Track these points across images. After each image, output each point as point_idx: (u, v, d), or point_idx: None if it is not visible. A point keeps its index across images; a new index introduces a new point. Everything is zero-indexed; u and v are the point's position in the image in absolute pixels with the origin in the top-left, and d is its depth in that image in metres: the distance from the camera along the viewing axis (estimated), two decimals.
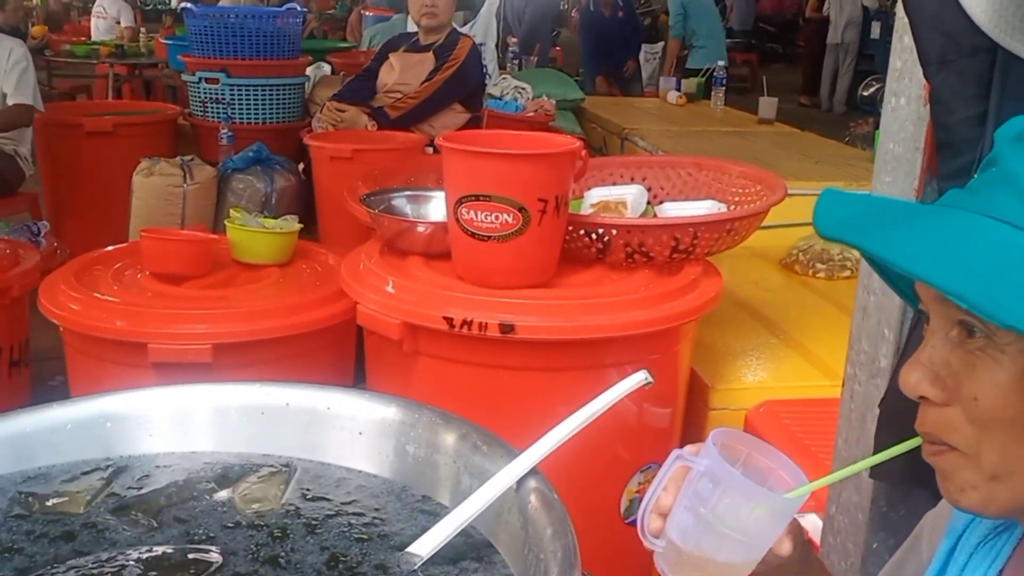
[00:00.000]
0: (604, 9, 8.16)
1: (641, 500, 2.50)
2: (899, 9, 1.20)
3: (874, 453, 1.34)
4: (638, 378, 1.01)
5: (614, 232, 2.23)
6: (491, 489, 0.98)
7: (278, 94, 4.90)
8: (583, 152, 2.11)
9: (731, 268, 3.55)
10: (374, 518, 1.03)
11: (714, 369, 2.56)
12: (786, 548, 0.93)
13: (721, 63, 6.38)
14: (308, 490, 1.07)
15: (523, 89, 5.28)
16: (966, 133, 1.14)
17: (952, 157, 1.15)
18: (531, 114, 5.10)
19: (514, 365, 2.03)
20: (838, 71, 11.94)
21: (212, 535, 0.98)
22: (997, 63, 1.11)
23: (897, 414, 1.26)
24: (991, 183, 0.70)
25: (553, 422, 1.04)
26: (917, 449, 1.29)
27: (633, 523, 2.28)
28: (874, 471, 1.33)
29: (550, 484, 1.00)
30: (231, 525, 1.00)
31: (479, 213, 2.00)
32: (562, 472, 2.18)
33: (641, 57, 8.93)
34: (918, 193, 1.25)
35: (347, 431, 1.12)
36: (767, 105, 5.62)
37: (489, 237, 2.02)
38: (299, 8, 5.26)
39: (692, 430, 2.51)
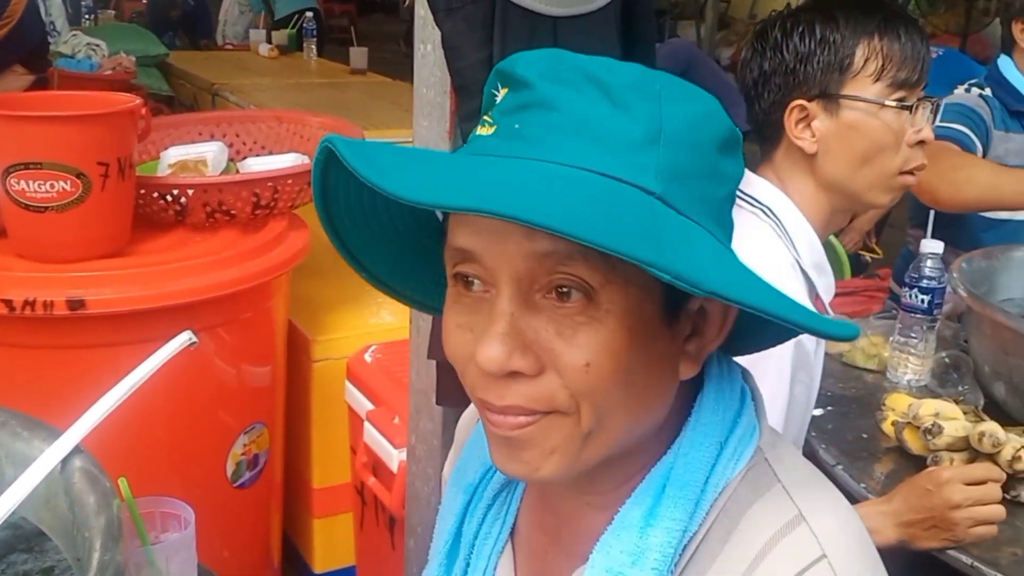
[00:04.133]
0: (173, 12, 7.82)
1: (248, 461, 2.46)
2: None
3: (438, 391, 1.43)
4: (182, 339, 0.99)
5: (190, 192, 2.16)
6: (31, 476, 0.92)
7: None
8: (144, 110, 2.01)
9: None
10: None
11: (315, 321, 2.58)
12: None
13: (309, 13, 6.32)
14: None
15: (97, 46, 4.89)
16: (477, 76, 1.22)
17: (469, 100, 1.24)
18: (108, 72, 4.75)
19: (91, 343, 1.91)
20: None
21: None
22: (497, 8, 1.20)
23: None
24: (555, 130, 0.65)
25: None
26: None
27: (242, 486, 2.27)
28: (440, 397, 1.43)
29: (95, 460, 0.96)
30: None
31: (31, 183, 1.84)
32: (162, 442, 2.10)
33: (235, 9, 8.60)
34: (450, 135, 1.33)
35: None
36: (358, 55, 5.66)
37: (47, 208, 1.87)
38: None
39: (297, 384, 2.52)
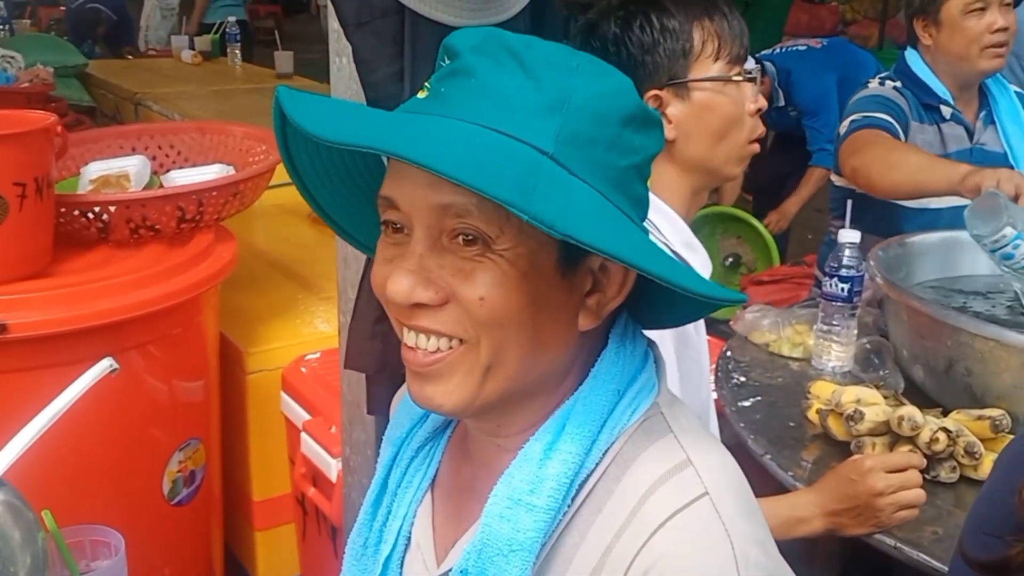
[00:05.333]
0: (99, 28, 7.70)
1: (184, 478, 2.43)
2: None
3: (368, 400, 1.44)
4: (102, 367, 0.98)
5: (113, 209, 2.13)
6: None
7: None
8: (59, 128, 1.97)
9: (263, 228, 3.53)
10: None
11: (247, 333, 2.56)
12: None
13: (232, 18, 6.24)
14: None
15: (12, 58, 4.78)
16: (390, 89, 1.23)
17: None
18: (26, 85, 4.64)
19: (14, 367, 1.87)
20: None
21: None
22: (407, 23, 1.21)
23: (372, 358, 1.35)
24: (471, 94, 0.72)
25: None
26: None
27: (179, 503, 2.24)
28: (371, 407, 1.43)
29: (19, 493, 0.95)
30: None
31: None
32: (95, 465, 2.07)
33: (157, 14, 8.44)
34: None
35: None
36: (283, 59, 5.60)
37: None
38: None
39: (232, 398, 2.49)
